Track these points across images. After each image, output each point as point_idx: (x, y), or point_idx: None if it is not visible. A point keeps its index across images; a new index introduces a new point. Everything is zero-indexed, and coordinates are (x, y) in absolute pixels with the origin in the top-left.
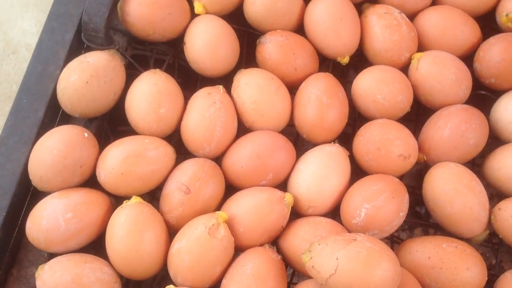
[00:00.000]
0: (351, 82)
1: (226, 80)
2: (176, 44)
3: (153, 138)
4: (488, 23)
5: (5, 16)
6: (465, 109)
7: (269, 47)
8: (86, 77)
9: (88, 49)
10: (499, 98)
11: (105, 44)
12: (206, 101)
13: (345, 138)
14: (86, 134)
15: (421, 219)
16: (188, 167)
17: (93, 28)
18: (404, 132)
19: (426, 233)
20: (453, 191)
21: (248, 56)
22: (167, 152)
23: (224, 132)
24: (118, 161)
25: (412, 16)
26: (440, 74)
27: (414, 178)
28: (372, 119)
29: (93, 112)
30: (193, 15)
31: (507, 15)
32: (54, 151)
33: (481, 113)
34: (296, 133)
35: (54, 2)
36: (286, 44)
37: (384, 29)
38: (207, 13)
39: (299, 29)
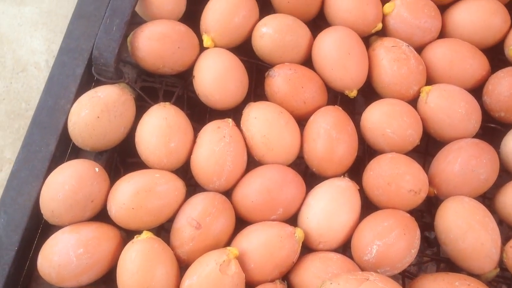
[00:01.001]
0: (359, 113)
1: (235, 111)
2: (185, 76)
3: (164, 172)
4: (496, 55)
5: (14, 35)
6: (475, 144)
7: (278, 81)
8: (97, 112)
9: (98, 82)
10: (509, 131)
11: (115, 77)
12: (215, 135)
13: (355, 170)
14: (97, 169)
15: (430, 245)
16: (198, 202)
17: (103, 62)
18: (414, 167)
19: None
20: (466, 226)
21: (256, 88)
22: (177, 186)
23: (234, 166)
24: (129, 196)
25: (419, 49)
26: (449, 108)
27: (423, 203)
28: (381, 152)
29: (104, 146)
30: (202, 48)
31: None
32: (66, 186)
33: (491, 147)
34: (305, 165)
35: (64, 37)
36: (294, 78)
37: (392, 62)
38: (215, 46)
39: (307, 60)
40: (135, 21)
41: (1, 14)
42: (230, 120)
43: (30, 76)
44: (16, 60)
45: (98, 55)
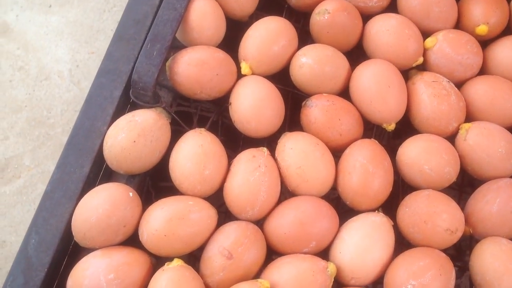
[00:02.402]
0: (393, 146)
1: (268, 139)
2: (220, 102)
3: (197, 200)
4: None
5: (39, 43)
6: None
7: (315, 111)
8: (133, 136)
9: (134, 104)
10: None
11: (152, 102)
12: (250, 164)
13: (388, 204)
14: (131, 194)
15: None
16: (230, 232)
17: (142, 87)
18: (451, 206)
19: None
20: (502, 269)
21: (291, 116)
22: (209, 214)
23: (267, 196)
24: (162, 222)
25: (460, 84)
26: (489, 146)
27: None
28: (417, 188)
29: (137, 169)
30: (239, 75)
31: None
32: (100, 210)
33: None
34: (337, 196)
35: (104, 59)
36: (332, 109)
37: (432, 98)
38: (253, 73)
39: (345, 91)
40: (173, 45)
41: (28, 22)
42: (265, 149)
43: (53, 85)
44: (40, 68)
45: (137, 79)
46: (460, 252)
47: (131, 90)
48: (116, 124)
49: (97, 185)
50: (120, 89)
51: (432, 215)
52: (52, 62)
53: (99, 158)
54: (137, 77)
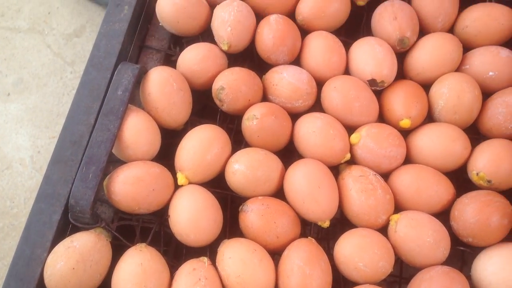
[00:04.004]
0: (335, 239)
1: (212, 244)
2: (161, 212)
3: None
4: (462, 174)
5: None
6: (446, 273)
7: (251, 216)
8: (72, 263)
9: (75, 226)
10: (478, 256)
11: (92, 222)
12: (191, 278)
13: None
14: None
15: None
16: None
17: (79, 210)
18: None
19: None
20: None
21: (232, 219)
22: None
23: None
24: None
25: (387, 174)
26: (418, 237)
27: None
28: (355, 283)
29: None
30: (177, 185)
31: (477, 174)
32: None
33: (461, 276)
34: None
35: (42, 183)
36: (267, 213)
37: (360, 193)
38: (190, 183)
39: (281, 189)
40: (112, 159)
41: None
42: (205, 259)
43: (15, 173)
44: (1, 157)
45: (74, 204)
46: None
47: (69, 214)
48: (55, 251)
49: None
50: (59, 213)
51: None
52: (13, 151)
53: (41, 286)
54: (74, 201)
